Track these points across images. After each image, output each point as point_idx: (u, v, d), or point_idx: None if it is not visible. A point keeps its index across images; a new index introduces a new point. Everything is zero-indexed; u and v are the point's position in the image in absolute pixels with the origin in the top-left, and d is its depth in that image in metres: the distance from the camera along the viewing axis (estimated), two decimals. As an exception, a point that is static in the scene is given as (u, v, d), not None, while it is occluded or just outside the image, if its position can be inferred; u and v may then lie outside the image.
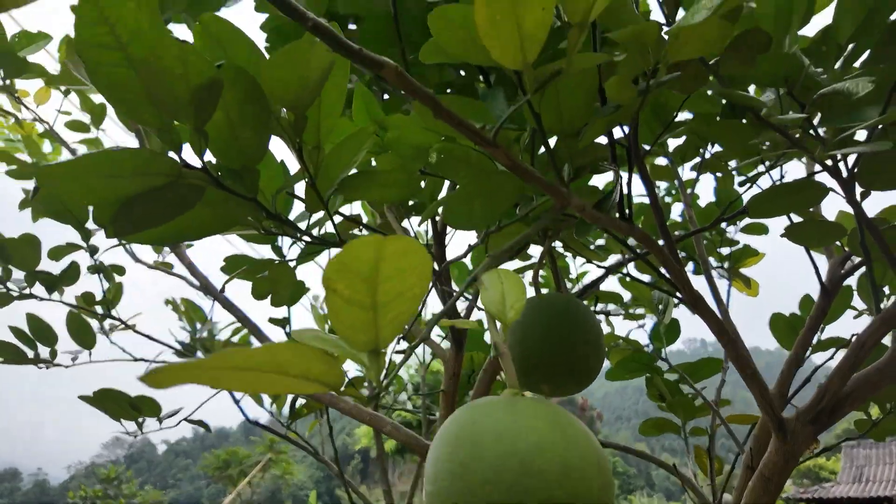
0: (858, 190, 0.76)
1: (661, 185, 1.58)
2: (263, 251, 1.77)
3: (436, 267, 0.85)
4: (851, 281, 1.06)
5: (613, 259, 1.24)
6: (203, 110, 0.40)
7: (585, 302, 1.39)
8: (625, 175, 0.64)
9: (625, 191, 0.59)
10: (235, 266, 0.91)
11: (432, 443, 0.29)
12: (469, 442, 0.27)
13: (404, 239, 0.25)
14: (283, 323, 1.00)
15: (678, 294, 1.00)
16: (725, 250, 1.61)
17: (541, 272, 0.91)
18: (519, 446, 0.26)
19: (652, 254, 0.71)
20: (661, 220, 0.81)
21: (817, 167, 0.84)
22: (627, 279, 1.35)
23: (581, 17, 0.32)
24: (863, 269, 0.98)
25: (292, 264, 0.86)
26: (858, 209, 0.69)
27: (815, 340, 1.10)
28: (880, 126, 0.67)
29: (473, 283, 0.39)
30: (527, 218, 0.59)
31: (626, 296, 1.43)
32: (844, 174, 0.71)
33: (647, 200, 0.92)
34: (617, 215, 0.67)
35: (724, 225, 1.53)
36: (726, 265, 1.61)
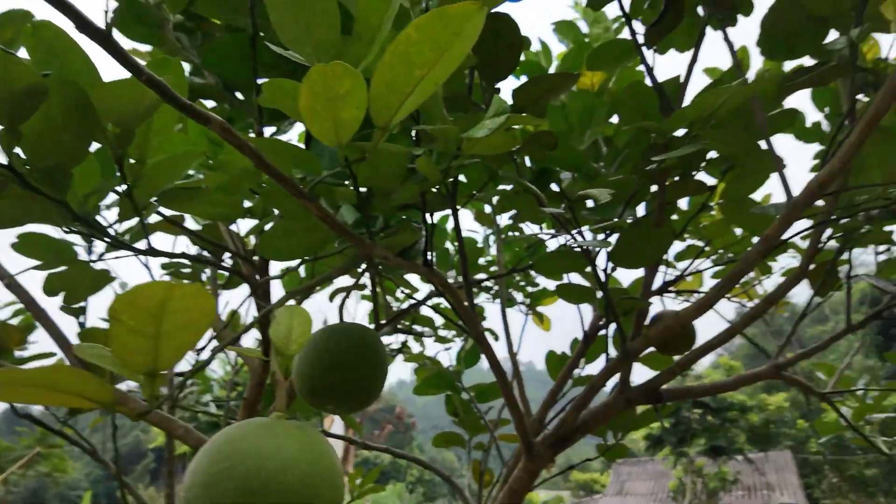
0: (610, 265, 0.97)
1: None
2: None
3: (258, 278, 0.88)
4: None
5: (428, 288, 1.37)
6: (19, 113, 0.41)
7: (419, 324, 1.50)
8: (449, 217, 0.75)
9: (427, 242, 0.69)
10: (29, 244, 0.84)
11: (196, 454, 0.34)
12: (225, 457, 0.32)
13: (193, 286, 0.31)
14: (77, 312, 0.93)
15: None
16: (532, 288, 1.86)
17: (354, 296, 0.98)
18: (267, 464, 0.32)
19: (448, 294, 0.83)
20: (465, 268, 0.94)
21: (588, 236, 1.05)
22: (441, 306, 1.50)
23: (383, 123, 0.41)
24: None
25: (98, 256, 0.82)
26: (601, 282, 0.89)
27: (575, 375, 1.34)
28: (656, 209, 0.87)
29: (268, 315, 0.44)
30: (343, 253, 0.66)
31: (440, 321, 1.58)
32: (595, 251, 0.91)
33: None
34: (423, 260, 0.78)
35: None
36: (528, 302, 1.86)
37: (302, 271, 1.44)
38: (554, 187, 1.05)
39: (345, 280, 1.35)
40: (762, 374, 1.09)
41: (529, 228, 1.46)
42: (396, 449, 1.45)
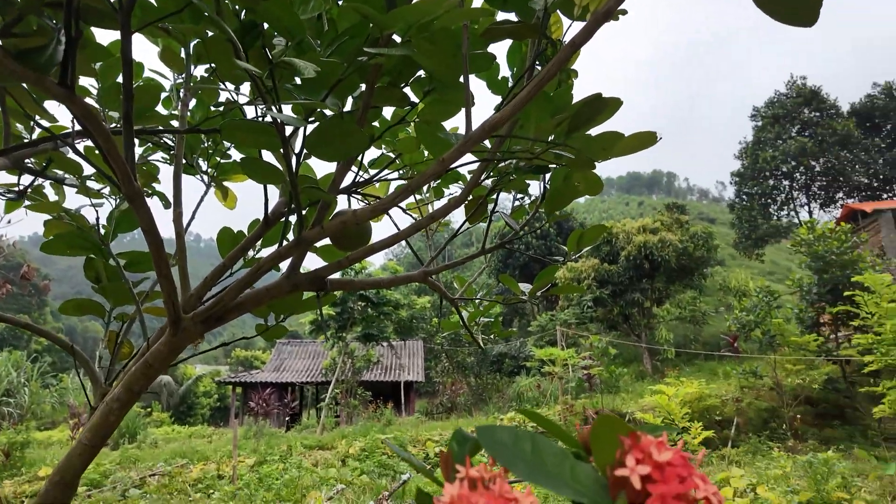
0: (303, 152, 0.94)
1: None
2: None
3: None
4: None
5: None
6: None
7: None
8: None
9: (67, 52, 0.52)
10: None
11: None
12: None
13: None
14: None
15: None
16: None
17: None
18: None
19: (96, 136, 0.67)
20: (129, 104, 0.77)
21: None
22: (97, 152, 1.22)
23: None
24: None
25: None
26: (290, 168, 0.86)
27: (249, 257, 1.30)
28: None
29: None
30: None
31: (90, 170, 1.29)
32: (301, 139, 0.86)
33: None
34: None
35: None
36: (213, 174, 1.69)
37: None
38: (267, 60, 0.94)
39: None
40: (414, 276, 1.26)
41: (230, 94, 1.30)
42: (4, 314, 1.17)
